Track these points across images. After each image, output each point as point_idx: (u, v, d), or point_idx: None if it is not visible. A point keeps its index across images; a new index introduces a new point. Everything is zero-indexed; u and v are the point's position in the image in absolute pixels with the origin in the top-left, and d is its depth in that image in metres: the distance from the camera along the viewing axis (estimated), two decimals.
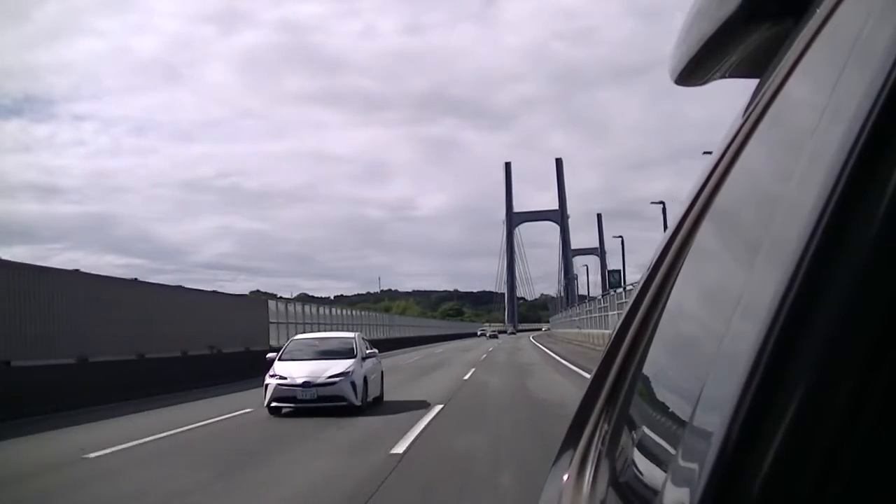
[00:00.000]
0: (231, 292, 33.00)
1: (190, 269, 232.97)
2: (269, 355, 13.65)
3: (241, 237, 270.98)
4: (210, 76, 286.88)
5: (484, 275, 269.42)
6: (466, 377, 21.52)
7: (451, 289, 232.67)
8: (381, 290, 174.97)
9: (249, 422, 12.19)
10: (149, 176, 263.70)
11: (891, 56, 0.39)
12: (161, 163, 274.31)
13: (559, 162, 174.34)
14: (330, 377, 12.17)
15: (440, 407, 12.94)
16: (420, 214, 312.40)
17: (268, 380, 12.43)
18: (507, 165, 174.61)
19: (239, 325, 26.76)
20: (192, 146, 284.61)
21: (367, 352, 13.73)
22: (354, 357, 12.87)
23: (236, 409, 13.60)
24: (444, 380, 20.34)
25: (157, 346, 20.29)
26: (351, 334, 14.93)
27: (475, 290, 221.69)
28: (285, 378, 12.28)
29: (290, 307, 34.69)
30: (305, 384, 12.12)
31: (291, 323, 33.34)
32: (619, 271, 48.94)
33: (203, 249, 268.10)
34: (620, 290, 37.57)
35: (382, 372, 14.33)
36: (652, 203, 33.09)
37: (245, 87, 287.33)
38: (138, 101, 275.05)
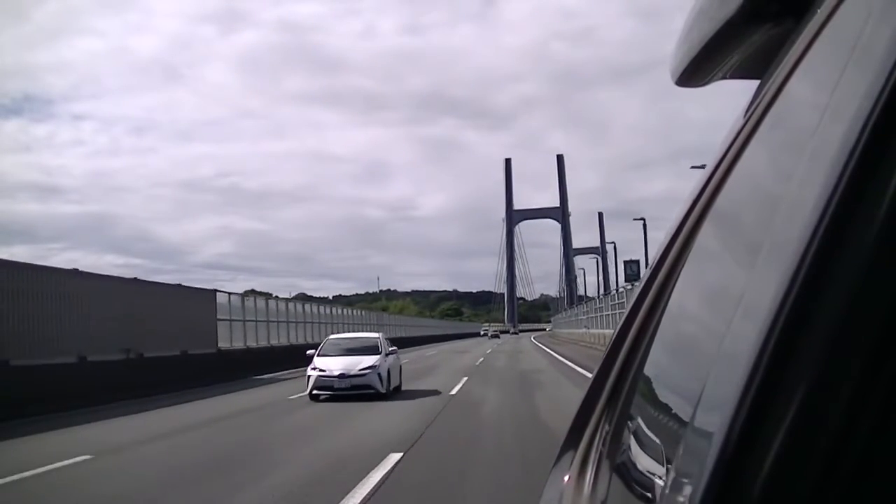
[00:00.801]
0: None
1: (189, 269, 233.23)
2: (309, 352, 16.55)
3: (240, 237, 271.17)
4: (210, 76, 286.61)
5: (483, 275, 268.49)
6: (454, 391, 16.19)
7: (450, 289, 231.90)
8: (381, 290, 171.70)
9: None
10: (148, 176, 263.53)
11: (891, 56, 0.39)
12: (161, 163, 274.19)
13: (560, 158, 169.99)
14: (361, 370, 14.85)
15: (396, 459, 7.79)
16: (420, 215, 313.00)
17: (309, 371, 15.24)
18: (507, 161, 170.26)
19: (175, 323, 21.25)
20: (192, 146, 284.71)
21: (389, 349, 16.31)
22: (379, 353, 15.48)
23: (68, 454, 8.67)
24: (422, 396, 14.98)
25: (40, 349, 15.17)
26: (376, 335, 17.73)
27: (474, 291, 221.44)
28: (324, 371, 15.00)
29: (249, 302, 28.81)
30: (341, 375, 14.80)
31: (252, 321, 27.78)
32: (637, 262, 43.72)
33: (203, 249, 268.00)
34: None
35: (401, 366, 16.96)
36: (693, 167, 28.89)
37: (245, 86, 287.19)
38: (138, 101, 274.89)
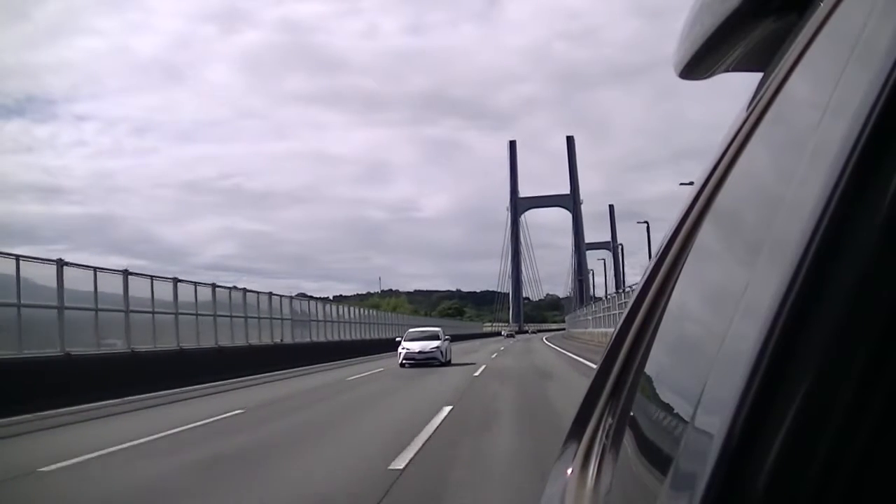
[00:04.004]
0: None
1: (193, 271, 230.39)
2: (398, 339, 29.87)
3: (243, 238, 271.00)
4: (211, 76, 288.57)
5: (486, 276, 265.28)
6: None
7: (453, 289, 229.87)
8: (382, 291, 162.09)
9: None
10: (150, 176, 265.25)
11: (894, 52, 0.40)
12: (163, 163, 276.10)
13: (570, 140, 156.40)
14: (430, 349, 27.04)
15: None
16: (422, 216, 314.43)
17: (400, 350, 27.40)
18: (512, 144, 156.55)
19: None
20: (194, 147, 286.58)
21: (445, 337, 29.03)
22: (440, 339, 28.20)
23: None
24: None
25: None
26: (437, 328, 30.78)
27: (478, 291, 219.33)
28: (409, 349, 27.09)
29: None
30: (420, 352, 26.75)
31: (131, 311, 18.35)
32: None
33: (205, 251, 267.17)
34: None
35: (451, 347, 29.81)
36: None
37: (246, 87, 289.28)
38: (139, 101, 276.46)
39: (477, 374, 20.99)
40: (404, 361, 26.43)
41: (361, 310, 52.58)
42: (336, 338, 40.08)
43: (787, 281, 0.41)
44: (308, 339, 35.01)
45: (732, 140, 0.73)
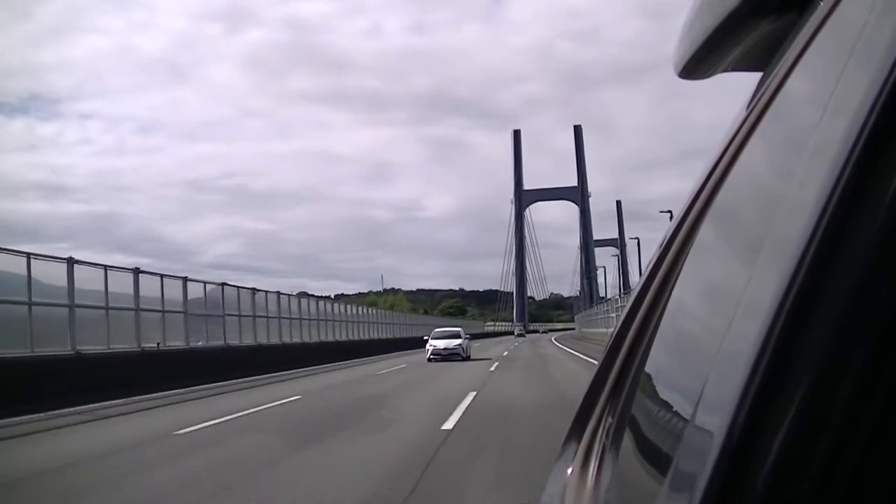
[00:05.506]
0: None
1: (198, 270, 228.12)
2: (425, 337, 35.07)
3: (247, 238, 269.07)
4: (215, 75, 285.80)
5: (490, 276, 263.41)
6: None
7: (456, 288, 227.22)
8: (385, 290, 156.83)
9: None
10: (154, 175, 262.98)
11: (893, 51, 0.40)
12: (167, 162, 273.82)
13: (578, 130, 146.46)
14: (453, 346, 31.57)
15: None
16: (426, 216, 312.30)
17: (427, 347, 32.17)
18: (516, 133, 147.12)
19: None
20: (198, 146, 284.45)
21: (466, 336, 33.74)
22: (461, 338, 32.69)
23: None
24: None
25: None
26: (458, 328, 35.85)
27: (481, 290, 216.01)
28: (436, 346, 31.76)
29: None
30: (444, 349, 31.38)
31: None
32: None
33: (209, 250, 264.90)
34: None
35: (470, 345, 34.98)
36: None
37: (250, 86, 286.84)
38: (143, 100, 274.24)
39: (448, 425, 9.53)
40: (431, 356, 30.66)
41: (332, 306, 43.05)
42: (290, 340, 31.35)
43: (787, 280, 0.41)
44: (221, 342, 24.14)
45: (732, 139, 0.72)
